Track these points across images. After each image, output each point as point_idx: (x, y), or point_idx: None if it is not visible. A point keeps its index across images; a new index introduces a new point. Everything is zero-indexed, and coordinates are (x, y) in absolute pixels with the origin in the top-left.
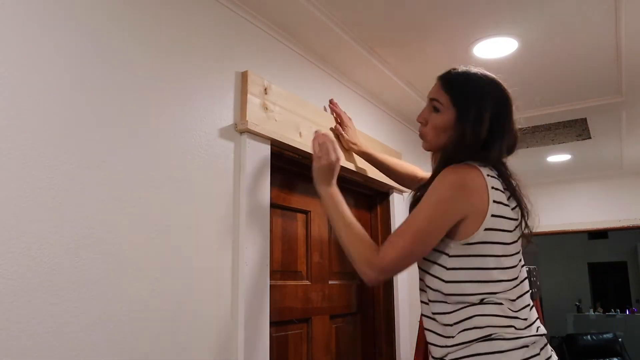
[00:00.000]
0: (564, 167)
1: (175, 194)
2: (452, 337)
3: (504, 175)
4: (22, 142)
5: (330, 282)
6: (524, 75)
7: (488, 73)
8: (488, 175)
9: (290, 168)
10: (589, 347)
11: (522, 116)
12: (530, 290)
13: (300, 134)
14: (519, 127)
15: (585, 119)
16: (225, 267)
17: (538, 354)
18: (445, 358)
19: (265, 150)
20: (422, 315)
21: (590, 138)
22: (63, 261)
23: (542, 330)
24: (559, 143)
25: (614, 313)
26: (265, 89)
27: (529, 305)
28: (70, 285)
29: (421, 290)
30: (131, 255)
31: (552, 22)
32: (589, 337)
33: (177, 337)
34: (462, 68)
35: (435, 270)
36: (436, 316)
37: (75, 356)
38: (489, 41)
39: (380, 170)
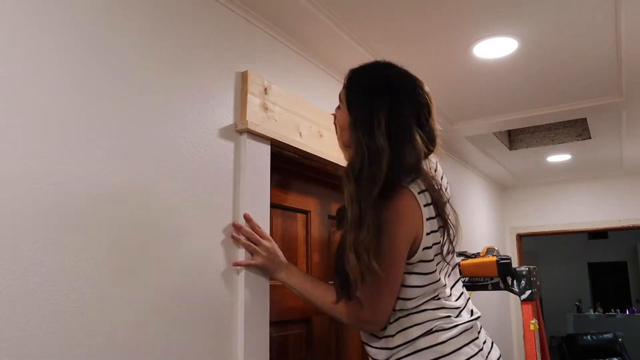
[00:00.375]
0: (564, 167)
1: (175, 194)
2: (392, 336)
3: (429, 187)
4: (22, 142)
5: (330, 282)
6: (524, 75)
7: (394, 65)
8: (419, 192)
9: (290, 168)
10: (589, 347)
11: (522, 116)
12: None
13: (300, 134)
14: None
15: (585, 119)
16: (225, 267)
17: (477, 338)
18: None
19: (265, 150)
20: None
21: (590, 138)
22: (63, 261)
23: (477, 312)
24: (559, 143)
25: (614, 313)
26: (265, 89)
27: (462, 293)
28: (70, 285)
29: None
30: (131, 255)
31: (552, 22)
32: (589, 337)
33: (177, 337)
34: (370, 62)
35: None
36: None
37: (75, 356)
38: (489, 41)
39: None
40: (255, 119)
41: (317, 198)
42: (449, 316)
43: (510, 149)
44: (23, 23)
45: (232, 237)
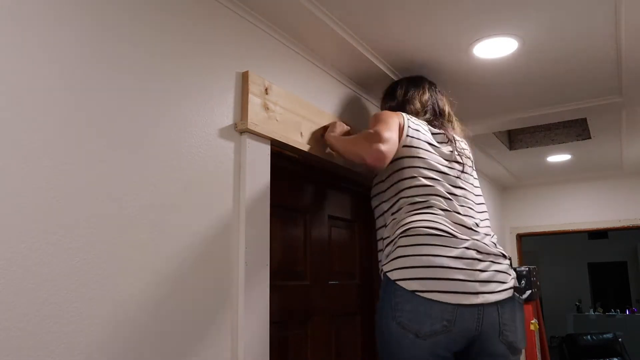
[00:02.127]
0: (564, 167)
1: (175, 193)
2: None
3: (433, 123)
4: (21, 142)
5: (330, 282)
6: (524, 75)
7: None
8: (408, 118)
9: (290, 168)
10: (589, 347)
11: (522, 116)
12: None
13: (300, 134)
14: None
15: (585, 119)
16: (225, 267)
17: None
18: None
19: (266, 150)
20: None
21: (590, 138)
22: (63, 261)
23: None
24: (559, 143)
25: (614, 313)
26: (266, 89)
27: (462, 215)
28: (70, 285)
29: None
30: (130, 256)
31: (552, 22)
32: (589, 337)
33: (176, 337)
34: None
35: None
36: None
37: (75, 356)
38: (489, 41)
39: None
40: (256, 119)
41: (317, 198)
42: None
43: (510, 149)
44: (21, 21)
45: None
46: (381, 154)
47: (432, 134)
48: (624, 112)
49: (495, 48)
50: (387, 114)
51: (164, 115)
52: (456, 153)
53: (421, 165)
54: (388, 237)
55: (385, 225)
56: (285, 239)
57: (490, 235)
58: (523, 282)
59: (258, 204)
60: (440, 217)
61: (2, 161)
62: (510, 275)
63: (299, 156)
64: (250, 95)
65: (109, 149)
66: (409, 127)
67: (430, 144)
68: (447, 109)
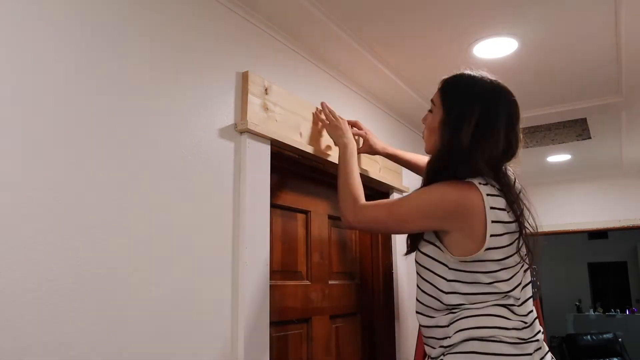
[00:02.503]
0: (564, 167)
1: (175, 193)
2: (449, 337)
3: (505, 187)
4: (22, 140)
5: (330, 282)
6: (524, 75)
7: (488, 75)
8: (488, 194)
9: (290, 168)
10: (589, 347)
11: (523, 116)
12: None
13: (300, 134)
14: (520, 131)
15: (585, 119)
16: (225, 267)
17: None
18: (442, 358)
19: (265, 150)
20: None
21: (590, 138)
22: (62, 261)
23: (541, 337)
24: (559, 143)
25: (614, 313)
26: (266, 89)
27: (531, 311)
28: (70, 285)
29: (421, 293)
30: (130, 255)
31: (552, 22)
32: (589, 337)
33: (176, 337)
34: (465, 71)
35: (435, 280)
36: (432, 319)
37: (75, 356)
38: (489, 41)
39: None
40: (256, 119)
41: (317, 198)
42: (514, 328)
43: None
44: (24, 20)
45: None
46: (356, 225)
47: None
48: (624, 112)
49: (495, 48)
50: (443, 207)
51: (163, 115)
52: None
53: None
54: None
55: None
56: (285, 239)
57: None
58: None
59: (258, 203)
60: None
61: (2, 161)
62: None
63: (298, 156)
64: (250, 96)
65: (108, 149)
66: (492, 222)
67: None
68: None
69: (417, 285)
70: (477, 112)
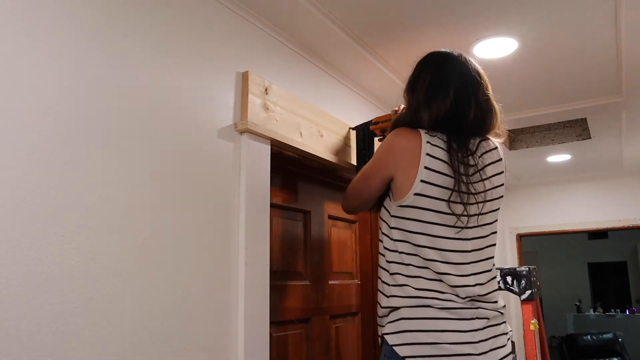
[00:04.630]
0: (564, 167)
1: (175, 193)
2: (389, 297)
3: (455, 143)
4: (22, 140)
5: (330, 282)
6: (524, 75)
7: (454, 52)
8: (428, 142)
9: (290, 168)
10: (589, 347)
11: (522, 116)
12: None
13: (300, 134)
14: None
15: (585, 119)
16: (225, 267)
17: (475, 330)
18: (383, 319)
19: (265, 150)
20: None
21: (590, 138)
22: (63, 261)
23: (489, 305)
24: (559, 143)
25: (614, 313)
26: (266, 89)
27: (474, 274)
28: (69, 286)
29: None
30: (131, 255)
31: (552, 22)
32: (589, 337)
33: (176, 337)
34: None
35: (384, 227)
36: (381, 272)
37: (75, 356)
38: (489, 41)
39: None
40: (256, 119)
41: (317, 198)
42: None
43: (510, 149)
44: (25, 20)
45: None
46: (345, 210)
47: None
48: (624, 112)
49: (495, 48)
50: (389, 148)
51: (163, 116)
52: None
53: None
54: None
55: None
56: (285, 239)
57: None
58: (523, 282)
59: (258, 203)
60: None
61: (2, 161)
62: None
63: (298, 156)
64: (250, 95)
65: (108, 149)
66: (425, 167)
67: None
68: None
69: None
70: (430, 74)
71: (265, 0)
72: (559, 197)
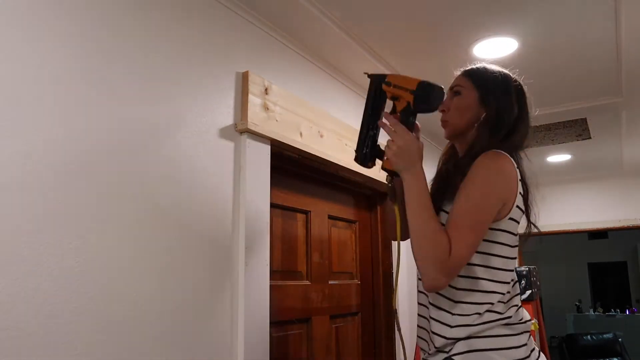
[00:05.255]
0: (564, 167)
1: (175, 193)
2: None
3: (521, 171)
4: (22, 141)
5: (330, 282)
6: (524, 75)
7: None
8: (516, 167)
9: (290, 168)
10: (589, 347)
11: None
12: (531, 291)
13: (300, 134)
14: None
15: (585, 119)
16: (225, 267)
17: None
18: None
19: (265, 150)
20: (421, 305)
21: (590, 138)
22: (63, 261)
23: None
24: (559, 143)
25: (614, 313)
26: (266, 89)
27: (519, 305)
28: (70, 286)
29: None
30: (130, 255)
31: (552, 22)
32: (589, 337)
33: (176, 337)
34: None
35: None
36: (441, 301)
37: (74, 356)
38: (489, 41)
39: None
40: (256, 119)
41: (317, 198)
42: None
43: None
44: (23, 18)
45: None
46: (440, 288)
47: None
48: (624, 112)
49: (495, 48)
50: (499, 180)
51: (163, 116)
52: None
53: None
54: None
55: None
56: (285, 239)
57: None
58: (523, 282)
59: (258, 203)
60: None
61: (3, 160)
62: None
63: (298, 156)
64: (250, 95)
65: (108, 149)
66: (520, 193)
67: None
68: None
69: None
70: (515, 96)
71: (265, 1)
72: (559, 197)
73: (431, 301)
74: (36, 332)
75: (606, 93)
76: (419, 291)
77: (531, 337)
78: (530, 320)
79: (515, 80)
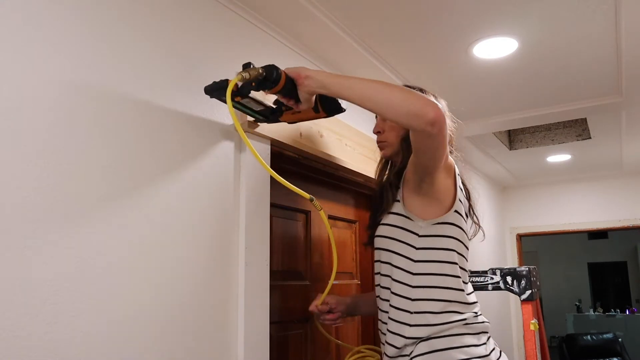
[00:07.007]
0: (564, 167)
1: (175, 193)
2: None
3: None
4: (22, 140)
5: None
6: (524, 75)
7: None
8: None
9: (290, 168)
10: (589, 347)
11: (522, 116)
12: (531, 291)
13: (300, 134)
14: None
15: (585, 119)
16: (225, 267)
17: (485, 343)
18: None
19: (265, 150)
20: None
21: (590, 138)
22: (63, 261)
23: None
24: (559, 143)
25: (614, 313)
26: None
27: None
28: (70, 286)
29: (383, 275)
30: (131, 255)
31: (552, 22)
32: (589, 337)
33: (176, 337)
34: None
35: (404, 249)
36: (398, 300)
37: (75, 355)
38: (489, 41)
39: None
40: None
41: (317, 198)
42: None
43: (510, 149)
44: (27, 18)
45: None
46: (444, 119)
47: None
48: (624, 112)
49: (495, 48)
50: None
51: (163, 116)
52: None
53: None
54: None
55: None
56: (285, 239)
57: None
58: (523, 282)
59: (258, 204)
60: None
61: (3, 159)
62: None
63: (299, 156)
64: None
65: (107, 149)
66: (459, 187)
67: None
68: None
69: (383, 263)
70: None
71: (266, 0)
72: (559, 197)
73: (392, 304)
74: (36, 332)
75: (606, 93)
76: (377, 296)
77: (491, 338)
78: (487, 322)
79: (433, 94)
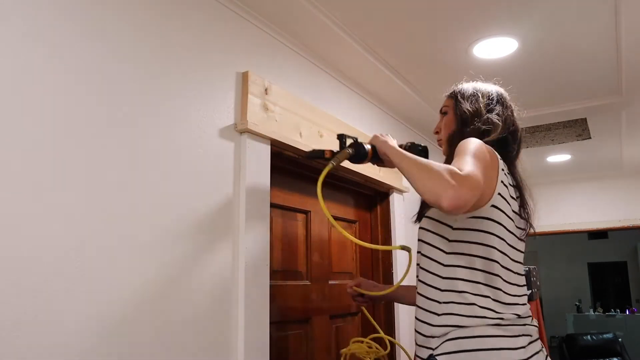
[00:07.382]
0: (564, 167)
1: (175, 193)
2: (437, 315)
3: (512, 172)
4: (23, 139)
5: (330, 282)
6: (524, 75)
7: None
8: (499, 158)
9: (290, 168)
10: (589, 347)
11: (523, 116)
12: (531, 291)
13: (300, 134)
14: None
15: (585, 119)
16: (225, 267)
17: (524, 347)
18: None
19: (265, 150)
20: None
21: (590, 138)
22: (63, 261)
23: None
24: (559, 143)
25: (614, 313)
26: (266, 89)
27: (526, 304)
28: (69, 285)
29: (421, 268)
30: (131, 255)
31: (552, 22)
32: (589, 337)
33: (176, 337)
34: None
35: (438, 241)
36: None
37: (75, 355)
38: (489, 41)
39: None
40: (256, 119)
41: (317, 198)
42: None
43: None
44: (25, 19)
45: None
46: (464, 203)
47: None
48: (624, 112)
49: (495, 48)
50: (485, 150)
51: (163, 116)
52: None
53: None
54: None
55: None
56: (285, 239)
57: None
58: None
59: (258, 203)
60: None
61: (3, 159)
62: None
63: (298, 156)
64: (250, 96)
65: (108, 149)
66: (502, 182)
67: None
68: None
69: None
70: (486, 101)
71: (266, 1)
72: (559, 197)
73: (425, 294)
74: (36, 332)
75: (606, 93)
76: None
77: (536, 342)
78: (531, 325)
79: (492, 87)
